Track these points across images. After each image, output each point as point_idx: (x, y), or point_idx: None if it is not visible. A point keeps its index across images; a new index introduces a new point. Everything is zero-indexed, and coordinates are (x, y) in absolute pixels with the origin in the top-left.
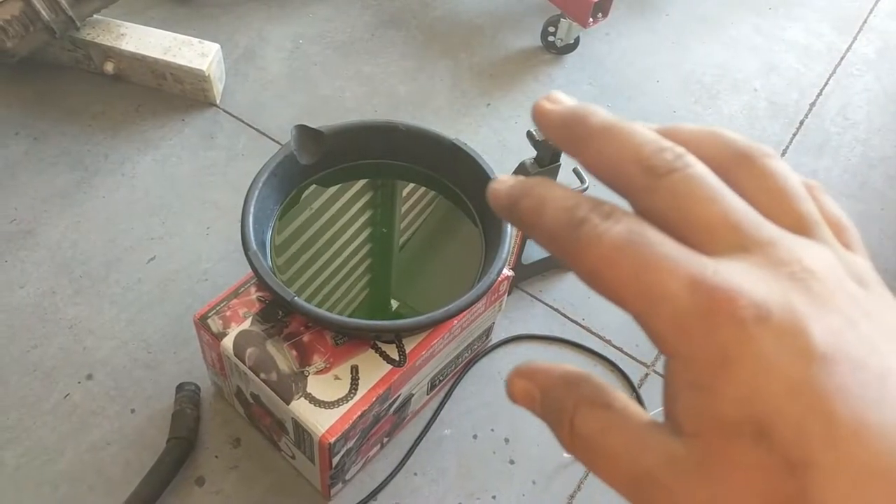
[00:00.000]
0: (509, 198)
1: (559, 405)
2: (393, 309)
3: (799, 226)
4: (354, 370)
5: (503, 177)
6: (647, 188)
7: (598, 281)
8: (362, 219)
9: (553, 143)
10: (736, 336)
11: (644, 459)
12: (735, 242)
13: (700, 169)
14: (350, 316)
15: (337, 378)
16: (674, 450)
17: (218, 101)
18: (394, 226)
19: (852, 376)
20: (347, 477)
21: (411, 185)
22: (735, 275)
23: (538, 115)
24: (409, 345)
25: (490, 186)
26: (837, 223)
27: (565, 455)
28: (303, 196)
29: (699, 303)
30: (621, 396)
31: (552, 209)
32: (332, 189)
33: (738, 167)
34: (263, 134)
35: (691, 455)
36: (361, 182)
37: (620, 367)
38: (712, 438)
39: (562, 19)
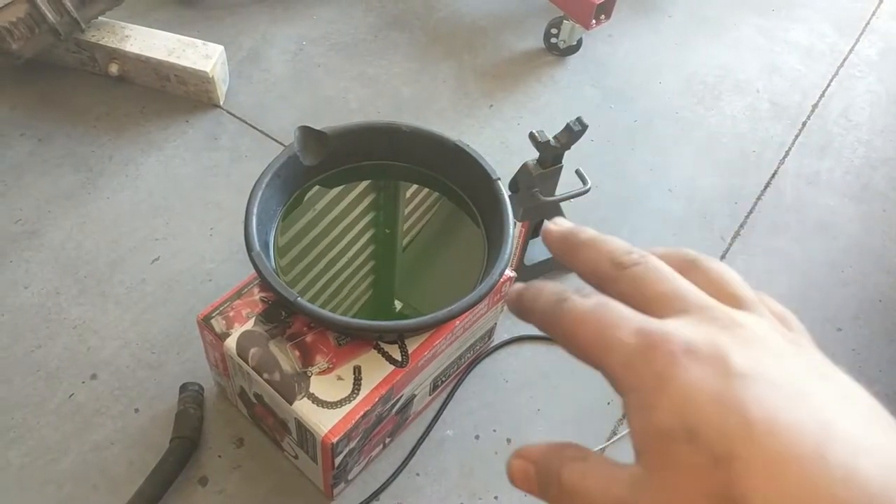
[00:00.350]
0: (516, 292)
1: (548, 468)
2: (396, 309)
3: (737, 304)
4: (357, 370)
5: (516, 285)
6: (616, 277)
7: (571, 340)
8: (365, 220)
9: (555, 254)
10: (668, 364)
11: (615, 490)
12: (679, 308)
13: (657, 262)
14: (353, 316)
15: (340, 378)
16: (635, 473)
17: (222, 103)
18: (397, 227)
19: (769, 390)
20: (350, 477)
21: (414, 187)
22: (672, 325)
23: (545, 234)
24: (412, 345)
25: (506, 297)
26: (781, 314)
27: None
28: (306, 197)
29: (641, 344)
30: (597, 453)
31: (546, 294)
32: (336, 190)
33: (689, 269)
34: (267, 135)
35: (645, 470)
36: (364, 183)
37: None
38: (656, 449)
39: (564, 21)
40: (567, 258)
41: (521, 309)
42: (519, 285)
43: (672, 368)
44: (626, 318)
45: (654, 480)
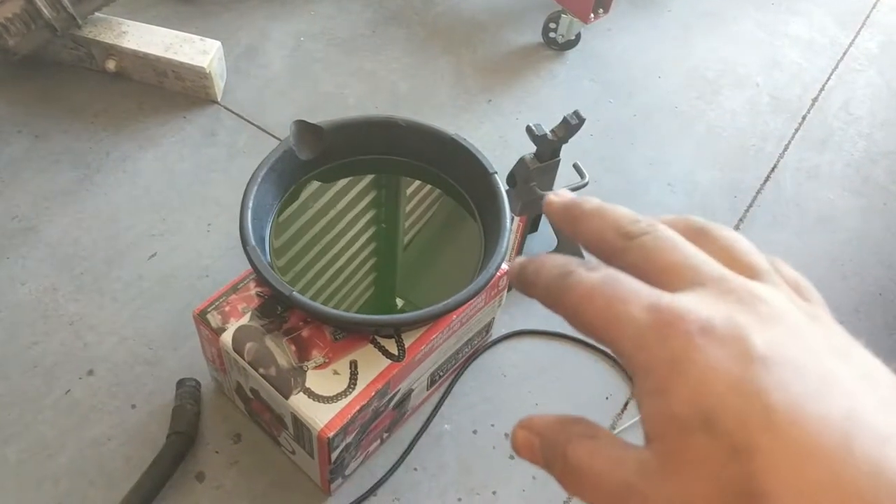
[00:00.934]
0: (518, 265)
1: (554, 443)
2: (393, 304)
3: (751, 273)
4: (353, 365)
5: (519, 258)
6: (623, 248)
7: (578, 316)
8: (362, 214)
9: (558, 225)
10: (683, 345)
11: (622, 472)
12: (692, 280)
13: (666, 231)
14: (349, 311)
15: (336, 373)
16: (644, 457)
17: (219, 99)
18: (393, 221)
19: (791, 375)
20: (347, 472)
21: (411, 181)
22: (686, 300)
23: (547, 205)
24: (409, 340)
25: (509, 270)
26: (795, 282)
27: None
28: (302, 192)
29: (654, 320)
30: (607, 431)
31: (549, 267)
32: (332, 184)
33: (699, 237)
34: (264, 131)
35: (655, 456)
36: (361, 177)
37: (619, 361)
38: (669, 436)
39: (563, 15)
40: (570, 229)
41: (524, 282)
42: (521, 258)
43: (688, 350)
44: (636, 291)
45: (666, 469)
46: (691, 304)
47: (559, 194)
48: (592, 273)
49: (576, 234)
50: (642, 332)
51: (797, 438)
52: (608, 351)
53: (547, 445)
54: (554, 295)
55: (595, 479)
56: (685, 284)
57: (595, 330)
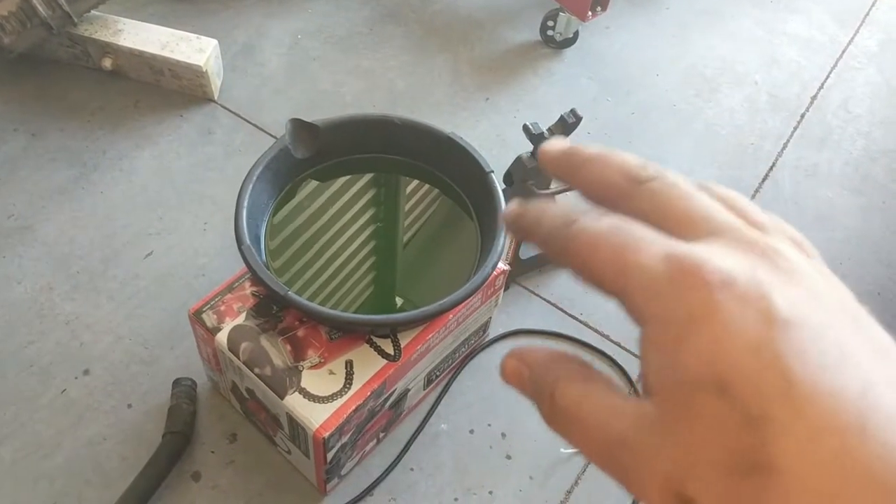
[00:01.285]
0: (514, 212)
1: (543, 379)
2: (388, 303)
3: (760, 228)
4: (349, 365)
5: (513, 202)
6: (631, 193)
7: (583, 265)
8: (358, 213)
9: (554, 174)
10: (702, 299)
11: (616, 424)
12: (707, 229)
13: (675, 177)
14: (345, 310)
15: (331, 373)
16: (644, 412)
17: (216, 97)
18: (390, 220)
19: (812, 342)
20: (343, 472)
21: (407, 179)
22: (704, 250)
23: (542, 154)
24: (405, 339)
25: (503, 215)
26: (799, 241)
27: (562, 450)
28: (298, 190)
29: (670, 270)
30: (604, 374)
31: (550, 216)
32: (328, 183)
33: (702, 189)
34: (261, 129)
35: (658, 412)
36: (357, 176)
37: (618, 361)
38: (677, 393)
39: (561, 13)
40: (570, 176)
41: (522, 229)
42: (516, 204)
43: (706, 304)
44: (648, 239)
45: (669, 427)
46: (710, 254)
47: (553, 143)
48: (599, 221)
49: (576, 182)
50: (656, 281)
51: (813, 414)
52: (606, 350)
53: (535, 382)
54: (556, 243)
55: (584, 427)
56: (701, 234)
57: (602, 281)
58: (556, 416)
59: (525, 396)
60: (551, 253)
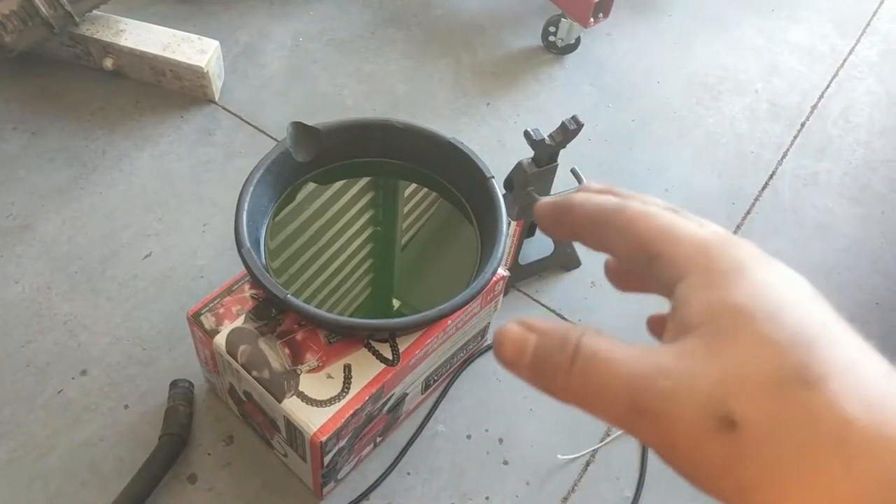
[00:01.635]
0: (551, 204)
1: (564, 336)
2: (388, 307)
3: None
4: (347, 369)
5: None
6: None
7: (627, 229)
8: (358, 217)
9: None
10: (749, 255)
11: (651, 358)
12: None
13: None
14: (346, 315)
15: (329, 377)
16: (683, 344)
17: (217, 98)
18: (390, 224)
19: (816, 297)
20: (340, 476)
21: (408, 184)
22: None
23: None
24: (403, 344)
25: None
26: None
27: (559, 456)
28: (298, 194)
29: (719, 235)
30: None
31: (597, 200)
32: (329, 186)
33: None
34: (262, 131)
35: (703, 341)
36: (357, 180)
37: None
38: (725, 321)
39: (563, 19)
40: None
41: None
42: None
43: (752, 259)
44: (694, 219)
45: (715, 350)
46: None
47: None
48: (648, 205)
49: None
50: (705, 241)
51: (856, 339)
52: None
53: (550, 343)
54: (602, 219)
55: (612, 368)
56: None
57: (647, 241)
58: (579, 369)
59: (520, 376)
60: (592, 229)
